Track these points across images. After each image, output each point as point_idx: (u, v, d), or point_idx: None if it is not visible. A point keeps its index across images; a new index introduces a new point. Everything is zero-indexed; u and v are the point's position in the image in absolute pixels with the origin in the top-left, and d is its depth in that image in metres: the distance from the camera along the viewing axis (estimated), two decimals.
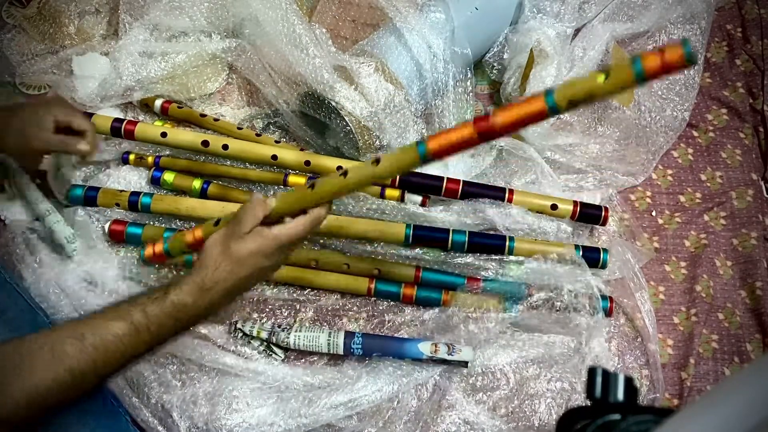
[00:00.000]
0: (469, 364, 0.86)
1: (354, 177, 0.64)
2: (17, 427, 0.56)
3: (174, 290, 0.62)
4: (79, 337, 0.58)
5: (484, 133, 0.59)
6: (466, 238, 0.89)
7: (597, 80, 0.53)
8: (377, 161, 0.63)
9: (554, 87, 0.55)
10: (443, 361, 0.85)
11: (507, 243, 0.89)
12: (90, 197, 0.93)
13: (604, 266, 0.90)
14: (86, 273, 0.88)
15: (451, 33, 0.96)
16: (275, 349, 0.87)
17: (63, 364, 0.56)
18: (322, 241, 0.94)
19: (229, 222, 0.65)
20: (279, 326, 0.87)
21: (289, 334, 0.86)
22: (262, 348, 0.87)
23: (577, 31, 1.05)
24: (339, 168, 0.63)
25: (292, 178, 0.95)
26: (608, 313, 0.89)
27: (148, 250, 0.77)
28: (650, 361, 0.89)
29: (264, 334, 0.87)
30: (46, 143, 0.81)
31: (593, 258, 0.89)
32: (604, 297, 0.89)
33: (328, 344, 0.85)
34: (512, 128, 0.59)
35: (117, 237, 0.91)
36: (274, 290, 0.93)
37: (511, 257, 0.89)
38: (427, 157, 0.61)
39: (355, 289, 0.91)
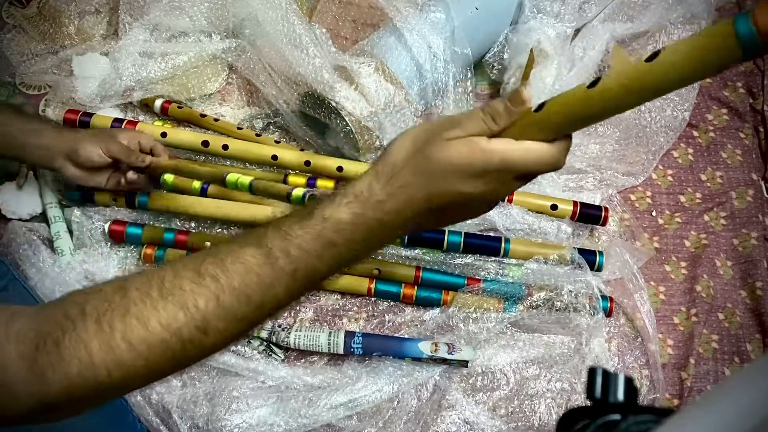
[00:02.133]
0: (469, 364, 0.86)
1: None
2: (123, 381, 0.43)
3: (327, 205, 0.44)
4: (195, 269, 0.43)
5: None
6: (462, 239, 0.88)
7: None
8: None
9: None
10: (443, 361, 0.85)
11: (503, 245, 0.89)
12: (87, 194, 0.93)
13: (599, 269, 0.90)
14: (87, 272, 0.89)
15: (451, 33, 0.97)
16: (275, 348, 0.87)
17: (174, 300, 0.42)
18: None
19: (441, 119, 0.46)
20: (279, 326, 0.87)
21: (289, 333, 0.86)
22: (262, 348, 0.87)
23: (577, 31, 1.05)
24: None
25: (292, 178, 0.95)
26: (608, 313, 0.89)
27: (148, 250, 0.77)
28: (650, 361, 0.89)
29: (264, 334, 0.87)
30: (109, 148, 0.83)
31: (589, 260, 0.89)
32: (604, 297, 0.89)
33: (328, 344, 0.85)
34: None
35: (117, 237, 0.91)
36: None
37: (512, 259, 0.89)
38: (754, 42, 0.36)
39: (355, 289, 0.91)
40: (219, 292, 0.42)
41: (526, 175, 0.46)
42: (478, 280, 0.89)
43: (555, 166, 0.46)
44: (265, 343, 0.87)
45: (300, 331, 0.87)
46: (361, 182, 0.44)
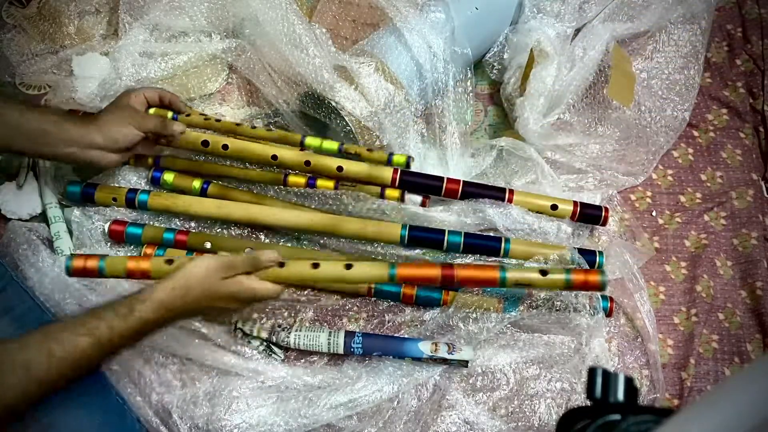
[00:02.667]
0: (469, 364, 0.86)
1: (324, 273, 0.76)
2: None
3: (140, 306, 0.67)
4: (48, 352, 0.62)
5: (445, 278, 0.76)
6: (462, 239, 0.88)
7: (538, 275, 0.76)
8: (349, 266, 0.76)
9: (508, 267, 0.77)
10: (443, 361, 0.85)
11: (503, 245, 0.88)
12: (87, 194, 0.93)
13: (600, 268, 0.89)
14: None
15: (451, 33, 0.97)
16: (275, 348, 0.87)
17: (33, 378, 0.61)
18: (322, 241, 0.94)
19: (225, 259, 0.71)
20: (279, 326, 0.87)
21: (289, 333, 0.86)
22: (262, 348, 0.87)
23: (577, 31, 1.05)
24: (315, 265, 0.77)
25: (292, 178, 0.95)
26: (608, 313, 0.89)
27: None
28: (650, 361, 0.89)
29: (264, 334, 0.87)
30: (143, 125, 0.84)
31: (589, 261, 0.89)
32: (604, 297, 0.89)
33: (328, 344, 0.85)
34: (468, 284, 0.82)
35: (117, 237, 0.91)
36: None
37: (513, 260, 0.89)
38: (394, 279, 0.76)
39: (355, 289, 0.91)
40: (63, 369, 0.63)
41: (261, 299, 0.76)
42: None
43: (275, 297, 0.76)
44: (265, 343, 0.87)
45: (300, 331, 0.87)
46: (163, 293, 0.68)
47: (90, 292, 0.86)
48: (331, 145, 0.90)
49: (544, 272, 0.76)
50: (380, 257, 0.91)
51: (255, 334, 0.87)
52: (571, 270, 0.76)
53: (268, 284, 0.74)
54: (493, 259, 0.90)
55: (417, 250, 0.91)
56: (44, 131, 0.80)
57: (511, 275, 0.75)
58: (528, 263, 0.86)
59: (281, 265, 0.75)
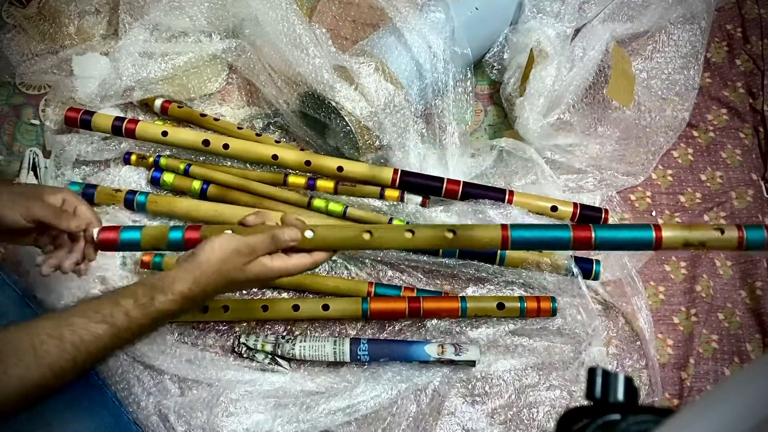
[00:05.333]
0: (476, 363, 0.86)
1: (305, 313, 0.81)
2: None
3: (160, 298, 0.63)
4: (59, 337, 0.58)
5: (412, 311, 0.86)
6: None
7: (493, 306, 0.86)
8: (326, 306, 0.84)
9: (468, 296, 0.87)
10: (450, 362, 0.85)
11: (498, 251, 0.88)
12: (87, 194, 0.93)
13: (596, 278, 0.90)
14: (90, 271, 0.88)
15: (451, 33, 0.96)
16: (281, 361, 0.86)
17: (44, 363, 0.57)
18: None
19: (240, 243, 0.64)
20: (283, 338, 0.87)
21: (294, 345, 0.86)
22: (267, 361, 0.86)
23: (577, 31, 1.05)
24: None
25: (292, 178, 0.95)
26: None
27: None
28: (648, 364, 0.89)
29: (269, 347, 0.86)
30: (30, 212, 0.67)
31: (586, 269, 0.89)
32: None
33: (334, 353, 0.85)
34: (434, 315, 0.87)
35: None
36: (273, 293, 0.93)
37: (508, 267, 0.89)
38: (367, 314, 0.86)
39: (356, 292, 0.90)
40: (76, 355, 0.58)
41: (293, 275, 0.69)
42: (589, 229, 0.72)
43: (312, 268, 0.69)
44: (270, 356, 0.86)
45: (305, 342, 0.86)
46: (183, 285, 0.63)
47: (92, 290, 0.86)
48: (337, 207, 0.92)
49: (501, 305, 0.87)
50: (380, 258, 0.91)
51: (259, 347, 0.86)
52: (525, 298, 0.88)
53: (296, 259, 0.67)
54: (487, 266, 0.91)
55: (414, 255, 0.91)
56: None
57: (471, 305, 0.86)
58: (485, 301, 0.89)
59: (310, 234, 0.68)
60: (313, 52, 0.91)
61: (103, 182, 0.97)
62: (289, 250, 0.67)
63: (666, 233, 0.65)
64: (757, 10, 1.15)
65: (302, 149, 0.99)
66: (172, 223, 0.95)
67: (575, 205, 0.92)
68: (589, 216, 0.93)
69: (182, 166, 0.96)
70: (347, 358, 0.85)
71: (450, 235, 0.67)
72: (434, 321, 0.88)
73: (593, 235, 0.66)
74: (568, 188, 0.99)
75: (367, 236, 0.67)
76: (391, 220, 0.91)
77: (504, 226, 0.67)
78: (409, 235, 0.67)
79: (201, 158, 0.99)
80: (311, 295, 0.92)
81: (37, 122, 1.03)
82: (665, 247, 0.65)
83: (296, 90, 0.95)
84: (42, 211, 0.67)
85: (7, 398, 0.56)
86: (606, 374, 0.39)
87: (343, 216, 0.92)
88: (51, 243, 0.71)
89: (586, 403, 0.40)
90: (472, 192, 0.92)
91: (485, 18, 1.01)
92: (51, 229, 0.69)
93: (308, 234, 0.67)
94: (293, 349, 0.85)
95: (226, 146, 0.93)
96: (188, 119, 1.02)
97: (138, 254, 0.91)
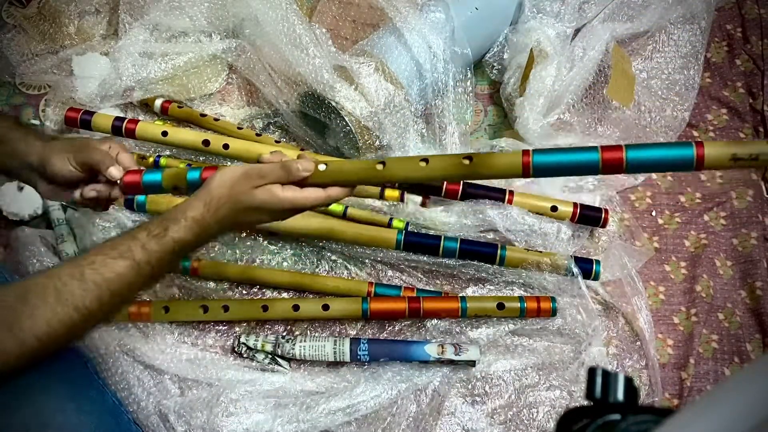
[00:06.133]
0: (476, 363, 0.86)
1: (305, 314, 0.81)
2: (26, 366, 0.57)
3: (174, 227, 0.62)
4: (80, 277, 0.58)
5: (412, 311, 0.86)
6: (458, 245, 0.88)
7: (493, 306, 0.86)
8: (326, 306, 0.84)
9: (468, 296, 0.88)
10: (450, 362, 0.85)
11: (498, 251, 0.88)
12: None
13: (596, 278, 0.90)
14: None
15: (451, 33, 0.96)
16: (281, 361, 0.86)
17: (69, 304, 0.57)
18: (321, 243, 0.94)
19: (249, 167, 0.64)
20: (283, 338, 0.87)
21: (294, 345, 0.86)
22: (267, 361, 0.86)
23: (577, 31, 1.05)
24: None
25: None
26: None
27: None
28: (648, 364, 0.89)
29: (269, 347, 0.86)
30: (80, 157, 0.70)
31: (586, 269, 0.89)
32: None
33: (334, 352, 0.85)
34: (434, 315, 0.87)
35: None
36: (273, 293, 0.93)
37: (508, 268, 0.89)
38: (367, 314, 0.86)
39: (356, 292, 0.90)
40: (100, 294, 0.59)
41: (305, 209, 0.66)
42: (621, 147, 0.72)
43: (326, 203, 0.66)
44: (270, 356, 0.86)
45: (305, 341, 0.86)
46: (195, 211, 0.63)
47: None
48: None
49: (501, 305, 0.86)
50: (380, 259, 0.92)
51: (259, 347, 0.86)
52: (525, 299, 0.87)
53: (307, 192, 0.64)
54: (487, 266, 0.91)
55: (413, 255, 0.91)
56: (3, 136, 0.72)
57: (471, 305, 0.86)
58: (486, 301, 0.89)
59: (323, 167, 0.65)
60: (313, 52, 0.91)
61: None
62: (302, 185, 0.64)
63: (709, 150, 0.56)
64: (757, 10, 1.15)
65: (302, 149, 0.99)
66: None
67: (575, 205, 0.92)
68: (589, 216, 0.93)
69: (182, 166, 0.96)
70: (347, 358, 0.85)
71: (467, 162, 0.62)
72: (434, 321, 0.88)
73: (624, 155, 0.58)
74: (568, 188, 0.99)
75: (380, 167, 0.64)
76: (391, 220, 0.91)
77: (525, 152, 0.60)
78: (423, 164, 0.63)
79: (201, 158, 0.99)
80: (311, 295, 0.92)
81: (37, 122, 1.03)
82: (708, 165, 0.57)
83: (296, 90, 0.95)
84: (95, 156, 0.70)
85: (36, 340, 0.56)
86: (606, 374, 0.39)
87: (343, 216, 0.92)
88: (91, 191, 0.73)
89: (586, 403, 0.40)
90: (472, 192, 0.92)
91: (485, 18, 1.01)
92: (97, 180, 0.72)
93: (321, 167, 0.64)
94: (293, 349, 0.85)
95: (226, 146, 0.93)
96: (188, 119, 1.02)
97: None
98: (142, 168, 0.71)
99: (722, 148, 0.56)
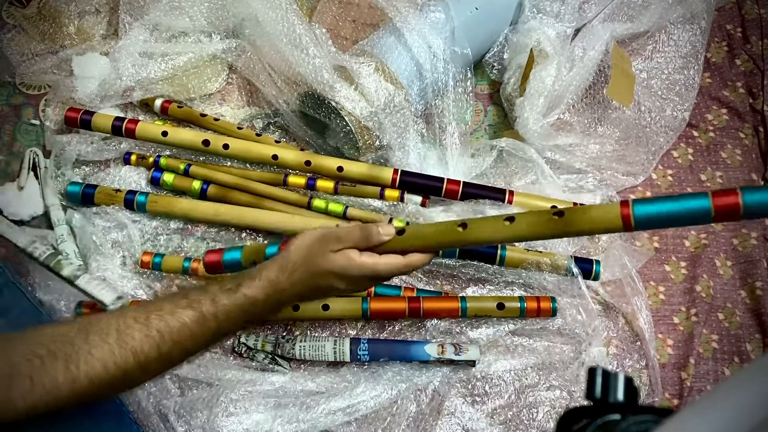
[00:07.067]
0: (476, 363, 0.86)
1: (305, 314, 0.81)
2: (77, 404, 0.55)
3: (247, 284, 0.61)
4: (144, 321, 0.56)
5: (412, 311, 0.86)
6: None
7: (493, 306, 0.86)
8: (326, 306, 0.83)
9: (468, 296, 0.88)
10: (450, 362, 0.85)
11: (498, 251, 0.88)
12: (87, 194, 0.93)
13: (596, 278, 0.90)
14: (90, 270, 0.89)
15: (451, 33, 0.96)
16: (280, 361, 0.86)
17: (128, 347, 0.55)
18: None
19: (327, 231, 0.62)
20: (283, 337, 0.87)
21: (293, 345, 0.86)
22: (267, 361, 0.86)
23: (577, 31, 1.05)
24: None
25: (292, 178, 0.95)
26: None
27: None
28: (648, 364, 0.89)
29: (269, 347, 0.86)
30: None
31: (586, 269, 0.89)
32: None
33: (334, 352, 0.85)
34: (434, 315, 0.86)
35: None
36: None
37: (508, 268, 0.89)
38: (367, 314, 0.85)
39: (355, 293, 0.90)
40: (161, 343, 0.56)
41: (384, 279, 0.65)
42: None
43: (405, 272, 0.64)
44: (270, 356, 0.86)
45: (304, 342, 0.86)
46: (271, 272, 0.61)
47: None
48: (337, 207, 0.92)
49: (501, 305, 0.86)
50: None
51: (259, 347, 0.86)
52: (525, 299, 0.87)
53: (387, 259, 0.62)
54: (487, 267, 0.91)
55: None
56: None
57: (471, 305, 0.86)
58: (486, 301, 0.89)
59: (401, 232, 0.63)
60: (313, 52, 0.91)
61: (103, 182, 0.97)
62: (381, 251, 0.62)
63: None
64: (757, 10, 1.15)
65: (302, 149, 0.99)
66: (172, 224, 0.95)
67: (575, 205, 0.92)
68: None
69: (182, 166, 0.96)
70: (347, 358, 0.85)
71: (556, 218, 0.57)
72: (434, 321, 0.88)
73: (740, 200, 0.50)
74: (568, 188, 0.99)
75: (461, 229, 0.61)
76: (391, 220, 0.91)
77: (623, 203, 0.54)
78: (507, 223, 0.59)
79: (201, 158, 0.99)
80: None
81: (37, 122, 1.03)
82: None
83: (296, 90, 0.95)
84: None
85: (91, 380, 0.54)
86: (606, 374, 0.39)
87: (343, 216, 0.92)
88: None
89: (586, 403, 0.40)
90: (472, 192, 0.92)
91: (485, 18, 1.01)
92: None
93: (399, 231, 0.62)
94: (293, 349, 0.85)
95: (226, 146, 0.93)
96: (188, 119, 1.02)
97: (138, 254, 0.91)
98: (221, 249, 0.75)
99: None
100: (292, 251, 0.62)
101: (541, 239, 0.63)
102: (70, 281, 0.84)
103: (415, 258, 0.62)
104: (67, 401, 0.53)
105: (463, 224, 0.61)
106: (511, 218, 0.59)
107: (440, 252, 0.88)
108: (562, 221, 0.57)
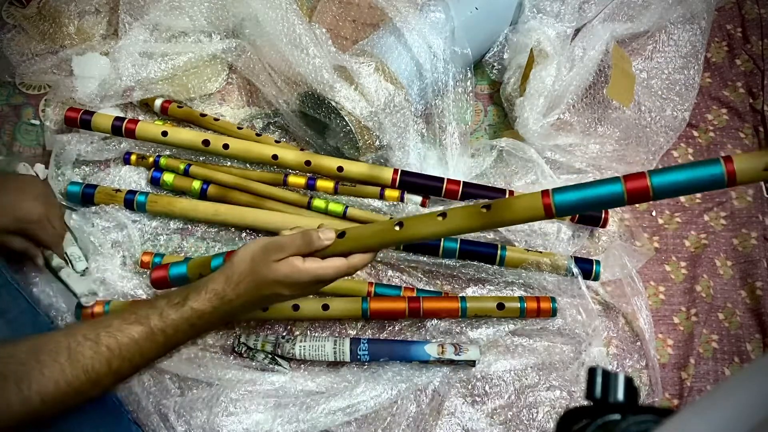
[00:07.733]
0: (476, 363, 0.86)
1: (305, 313, 0.80)
2: (30, 424, 0.57)
3: (194, 297, 0.62)
4: (95, 339, 0.58)
5: (412, 311, 0.85)
6: (458, 245, 0.88)
7: (493, 306, 0.86)
8: (326, 306, 0.82)
9: (468, 296, 0.87)
10: (450, 362, 0.85)
11: (498, 252, 0.89)
12: (87, 194, 0.93)
13: (596, 278, 0.90)
14: (89, 271, 0.88)
15: (451, 33, 0.96)
16: (281, 361, 0.86)
17: (79, 365, 0.57)
18: None
19: (269, 241, 0.64)
20: (283, 338, 0.87)
21: (294, 345, 0.85)
22: (267, 361, 0.86)
23: (577, 31, 1.05)
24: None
25: (292, 178, 0.95)
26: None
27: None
28: (649, 364, 0.89)
29: (269, 347, 0.86)
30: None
31: (586, 269, 0.89)
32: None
33: (334, 352, 0.85)
34: (434, 315, 0.86)
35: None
36: None
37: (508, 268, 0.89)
38: (367, 314, 0.85)
39: (356, 292, 0.90)
40: (111, 359, 0.58)
41: (329, 281, 0.66)
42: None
43: (349, 273, 0.65)
44: (270, 356, 0.86)
45: (304, 341, 0.86)
46: (217, 284, 0.63)
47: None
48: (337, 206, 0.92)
49: (501, 306, 0.86)
50: (379, 260, 0.92)
51: (259, 347, 0.86)
52: (525, 299, 0.87)
53: (329, 262, 0.64)
54: (487, 267, 0.91)
55: (413, 255, 0.91)
56: None
57: (471, 305, 0.86)
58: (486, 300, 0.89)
59: (341, 236, 0.65)
60: (313, 52, 0.91)
61: (103, 182, 0.97)
62: (324, 256, 0.65)
63: (739, 164, 0.53)
64: (757, 10, 1.15)
65: (302, 149, 0.99)
66: (172, 224, 0.95)
67: None
68: (588, 216, 0.93)
69: (182, 166, 0.96)
70: (347, 358, 0.85)
71: (484, 211, 0.61)
72: (434, 321, 0.88)
73: (649, 183, 0.55)
74: None
75: (398, 228, 0.64)
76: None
77: (545, 193, 0.59)
78: (440, 219, 0.63)
79: (201, 158, 0.99)
80: (311, 295, 0.92)
81: (37, 122, 1.03)
82: (741, 180, 0.54)
83: (296, 90, 0.95)
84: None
85: (43, 399, 0.55)
86: (606, 374, 0.39)
87: (343, 216, 0.92)
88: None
89: (586, 403, 0.40)
90: (472, 192, 0.92)
91: (485, 18, 1.01)
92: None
93: (338, 235, 0.65)
94: (293, 349, 0.85)
95: (226, 146, 0.93)
96: (188, 119, 1.02)
97: (138, 254, 0.91)
98: (166, 263, 0.75)
99: (754, 160, 0.53)
100: (237, 262, 0.64)
101: (474, 231, 0.67)
102: (54, 272, 0.85)
103: (357, 259, 0.65)
104: (20, 421, 0.55)
105: (400, 223, 0.64)
106: (443, 214, 0.63)
107: (438, 252, 0.89)
108: (490, 214, 0.61)
